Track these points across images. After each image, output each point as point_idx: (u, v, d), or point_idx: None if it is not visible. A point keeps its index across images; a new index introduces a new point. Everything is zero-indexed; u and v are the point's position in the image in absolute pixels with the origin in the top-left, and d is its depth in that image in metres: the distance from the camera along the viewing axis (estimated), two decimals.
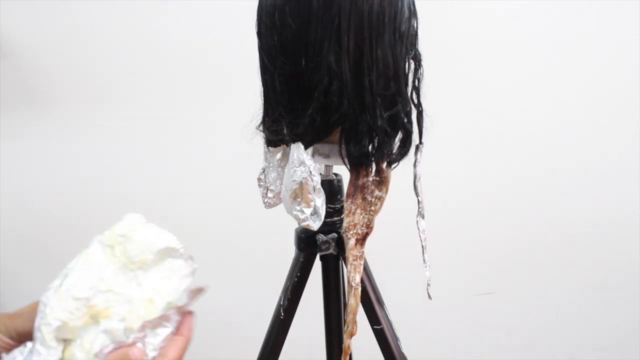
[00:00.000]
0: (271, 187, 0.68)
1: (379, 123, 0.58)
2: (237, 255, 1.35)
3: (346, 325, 0.64)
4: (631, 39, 1.24)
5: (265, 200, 0.68)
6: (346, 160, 0.62)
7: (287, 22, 0.56)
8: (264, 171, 0.68)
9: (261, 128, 0.64)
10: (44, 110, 1.25)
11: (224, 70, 1.22)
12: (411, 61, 0.60)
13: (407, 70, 0.60)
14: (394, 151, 0.61)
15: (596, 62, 1.26)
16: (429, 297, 0.66)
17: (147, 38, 1.21)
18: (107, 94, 1.25)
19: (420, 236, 0.65)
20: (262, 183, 0.69)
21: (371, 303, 0.69)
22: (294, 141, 0.60)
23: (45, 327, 0.38)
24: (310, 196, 0.59)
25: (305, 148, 0.60)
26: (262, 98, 0.63)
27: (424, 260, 0.65)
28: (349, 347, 0.65)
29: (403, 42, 0.58)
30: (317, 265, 0.71)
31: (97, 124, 1.25)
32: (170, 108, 1.25)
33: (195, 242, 1.45)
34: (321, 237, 0.67)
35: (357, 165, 0.61)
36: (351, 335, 0.64)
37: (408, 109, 0.61)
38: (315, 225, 0.60)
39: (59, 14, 1.19)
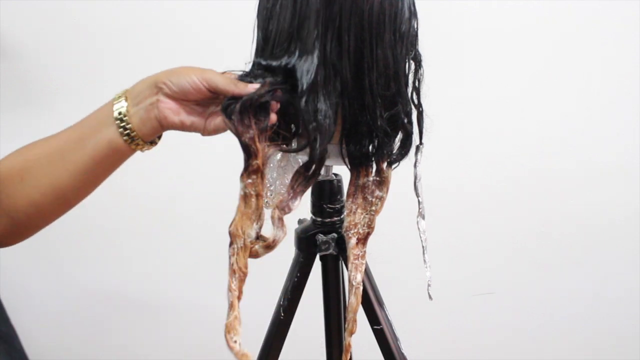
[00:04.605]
0: (271, 187, 0.68)
1: (379, 123, 0.58)
2: None
3: (347, 324, 0.65)
4: (633, 38, 1.24)
5: (265, 200, 0.68)
6: (346, 160, 0.62)
7: (281, 19, 0.56)
8: None
9: None
10: (44, 110, 1.25)
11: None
12: (411, 62, 0.61)
13: (407, 71, 0.60)
14: (394, 151, 0.61)
15: (596, 62, 1.26)
16: (430, 297, 0.66)
17: (148, 37, 1.21)
18: (107, 94, 1.24)
19: (420, 236, 0.65)
20: None
21: (371, 303, 0.69)
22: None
23: None
24: None
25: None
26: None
27: (424, 260, 0.65)
28: (349, 344, 0.65)
29: (403, 42, 0.58)
30: (317, 265, 0.71)
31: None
32: None
33: (194, 241, 1.46)
34: (321, 237, 0.68)
35: (358, 166, 0.62)
36: (351, 333, 0.64)
37: (408, 109, 0.61)
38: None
39: (59, 14, 1.19)
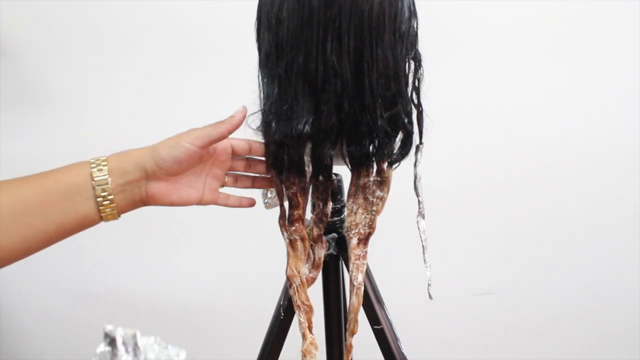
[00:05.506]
0: (271, 188, 0.68)
1: (380, 123, 0.58)
2: (236, 256, 1.35)
3: (348, 324, 0.65)
4: (633, 37, 1.24)
5: (265, 201, 0.68)
6: (347, 161, 0.62)
7: (285, 22, 0.56)
8: None
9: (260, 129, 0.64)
10: (43, 110, 1.25)
11: (228, 73, 1.22)
12: (411, 61, 0.61)
13: (407, 71, 0.60)
14: (394, 151, 0.61)
15: (597, 62, 1.26)
16: (430, 297, 0.66)
17: (148, 37, 1.21)
18: (107, 94, 1.25)
19: (420, 236, 0.65)
20: None
21: (371, 303, 0.69)
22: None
23: None
24: None
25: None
26: (261, 99, 0.63)
27: (424, 260, 0.65)
28: (351, 345, 0.65)
29: (403, 42, 0.58)
30: None
31: (97, 125, 1.25)
32: (171, 108, 1.25)
33: (194, 242, 1.46)
34: None
35: (358, 166, 0.62)
36: (352, 333, 0.65)
37: (408, 109, 0.61)
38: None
39: (58, 14, 1.19)
